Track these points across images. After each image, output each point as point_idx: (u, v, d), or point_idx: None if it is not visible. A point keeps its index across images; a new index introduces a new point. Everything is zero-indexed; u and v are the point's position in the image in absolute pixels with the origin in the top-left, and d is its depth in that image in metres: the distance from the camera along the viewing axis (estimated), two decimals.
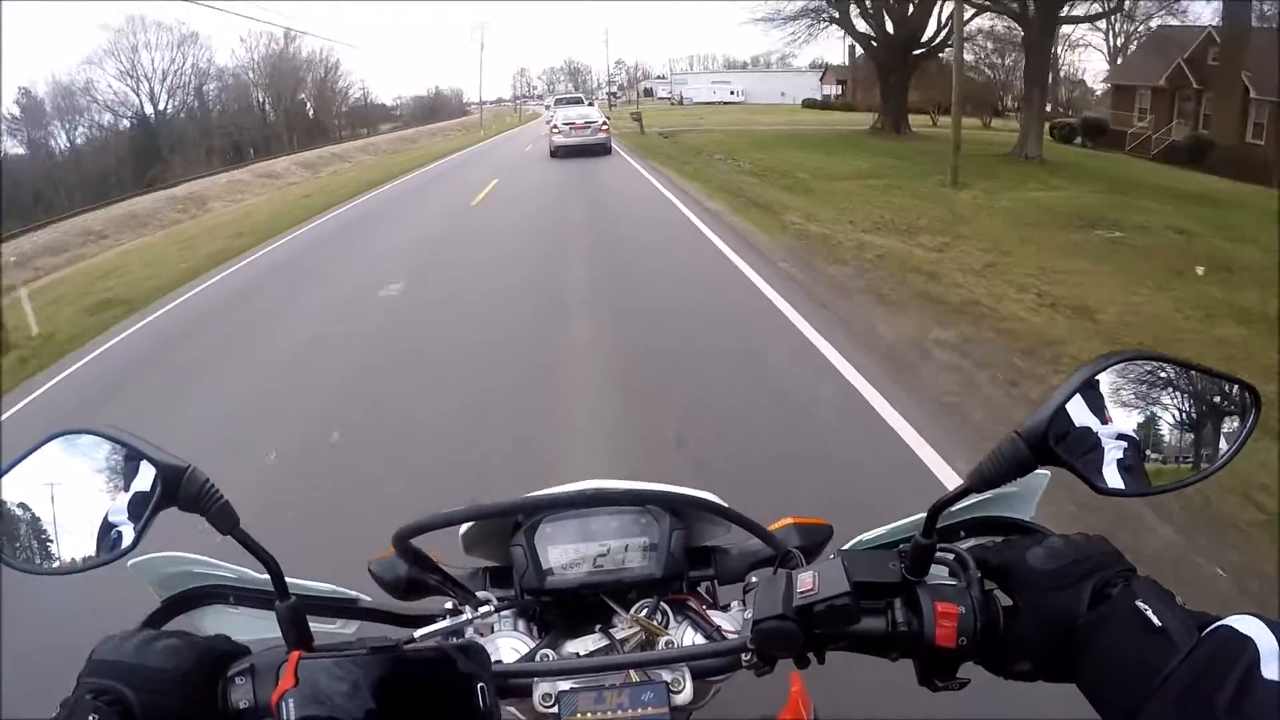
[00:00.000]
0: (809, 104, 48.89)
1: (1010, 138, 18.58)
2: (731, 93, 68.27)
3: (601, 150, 16.91)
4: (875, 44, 23.81)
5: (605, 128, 17.53)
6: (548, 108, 36.90)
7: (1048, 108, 21.43)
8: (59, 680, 0.48)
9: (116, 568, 0.49)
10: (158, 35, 37.90)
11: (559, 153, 16.76)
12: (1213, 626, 0.39)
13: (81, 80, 35.29)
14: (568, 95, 36.15)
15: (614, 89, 74.89)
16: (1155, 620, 0.41)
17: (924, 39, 22.78)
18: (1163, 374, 0.48)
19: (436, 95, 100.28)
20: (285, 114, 46.31)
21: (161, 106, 37.50)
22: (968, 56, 23.33)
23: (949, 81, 14.84)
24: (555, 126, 17.41)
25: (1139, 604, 0.42)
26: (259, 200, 19.01)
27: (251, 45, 45.32)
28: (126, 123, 36.45)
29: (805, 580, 0.50)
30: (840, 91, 51.83)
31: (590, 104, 28.44)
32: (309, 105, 51.16)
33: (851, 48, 50.29)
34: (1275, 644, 0.36)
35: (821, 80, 55.23)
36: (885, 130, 22.68)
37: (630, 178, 13.03)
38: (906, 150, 17.51)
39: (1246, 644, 0.37)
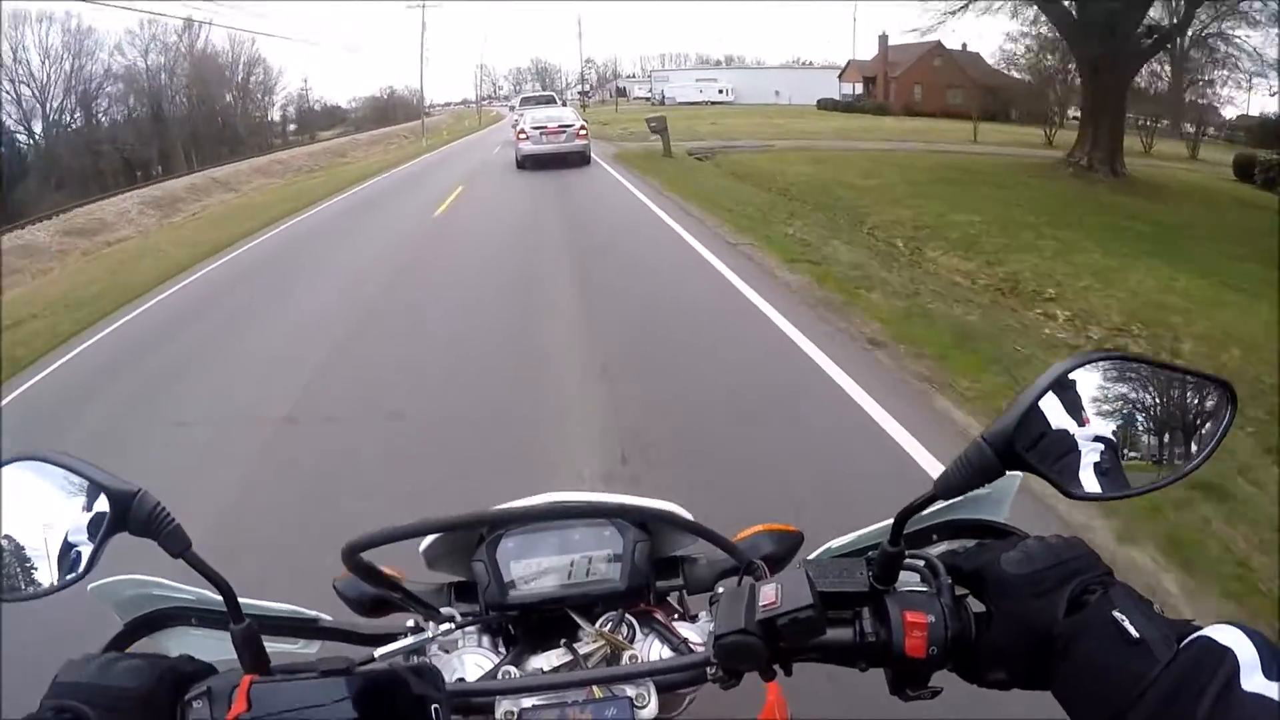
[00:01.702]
0: (826, 105, 40.10)
1: None
2: (720, 91, 64.18)
3: (579, 160, 14.57)
4: (1074, 25, 15.45)
5: (583, 133, 14.92)
6: (513, 108, 33.57)
7: None
8: (24, 706, 0.47)
9: (78, 592, 0.50)
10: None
11: (527, 163, 14.40)
12: (1192, 637, 0.39)
13: None
14: (537, 94, 32.02)
15: (586, 88, 65.82)
16: (1133, 631, 0.41)
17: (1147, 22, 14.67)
18: (1137, 373, 0.48)
19: (391, 96, 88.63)
20: (181, 124, 36.44)
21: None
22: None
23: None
24: (523, 132, 14.76)
25: (1116, 614, 0.42)
26: None
27: (145, 41, 35.27)
28: None
29: (768, 593, 0.49)
30: (863, 91, 43.07)
31: (563, 104, 25.15)
32: (225, 112, 41.14)
33: (883, 37, 42.52)
34: (1255, 654, 0.37)
35: (841, 77, 46.55)
36: (1094, 168, 14.70)
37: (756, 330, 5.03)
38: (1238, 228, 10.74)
39: (1225, 655, 0.37)
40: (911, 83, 39.93)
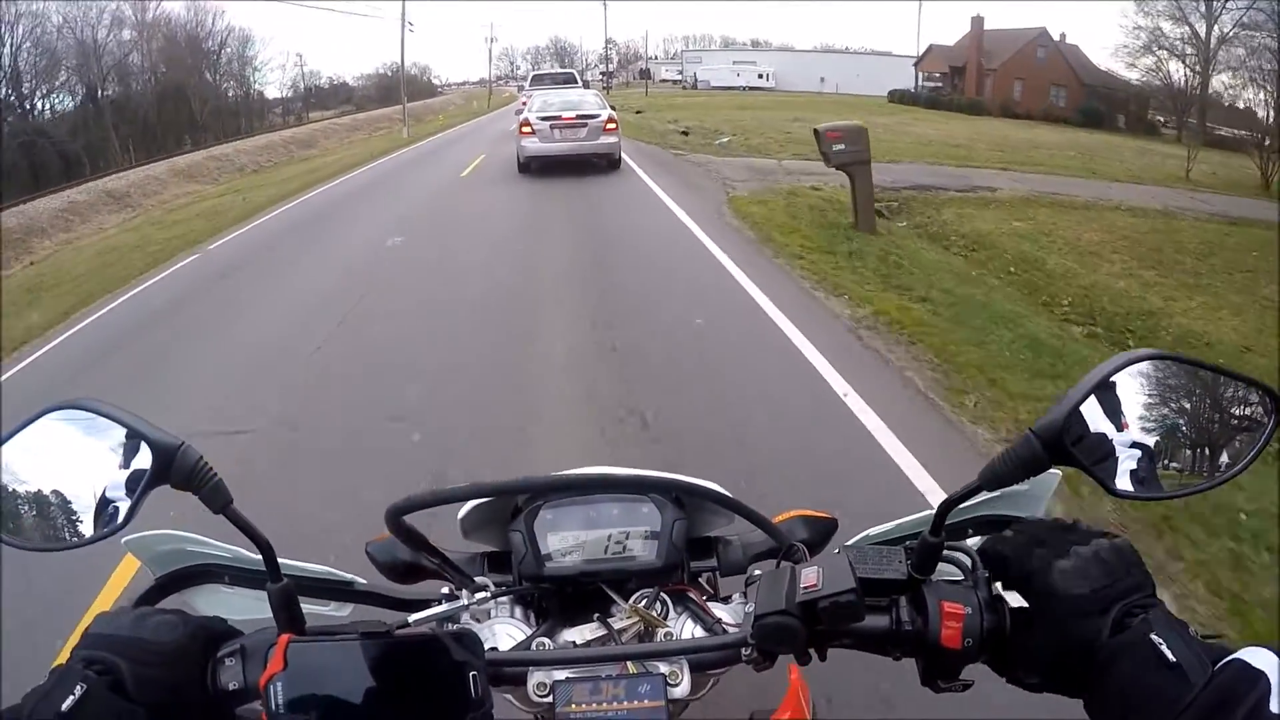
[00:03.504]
0: (904, 99, 32.54)
1: None
2: (760, 76, 58.42)
3: (608, 164, 10.99)
4: None
5: (612, 126, 10.85)
6: (521, 89, 26.54)
7: None
8: (53, 655, 0.49)
9: (112, 543, 0.52)
10: None
11: (531, 166, 10.98)
12: (1225, 660, 0.41)
13: None
14: (551, 72, 26.86)
15: (610, 68, 59.02)
16: (1170, 655, 0.42)
17: None
18: (1180, 375, 0.49)
19: (397, 73, 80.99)
20: (123, 109, 29.62)
21: None
22: None
23: None
24: (527, 122, 10.77)
25: (1154, 637, 0.44)
26: None
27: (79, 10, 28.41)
28: None
29: (809, 575, 0.50)
30: (944, 83, 35.34)
31: (584, 85, 20.51)
32: (184, 93, 34.25)
33: (977, 19, 35.03)
34: None
35: (919, 65, 38.80)
36: None
37: None
38: None
39: (1258, 678, 0.39)
40: (1012, 77, 32.48)
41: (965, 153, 16.23)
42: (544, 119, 10.62)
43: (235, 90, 46.29)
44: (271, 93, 51.38)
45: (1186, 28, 28.27)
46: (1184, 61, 29.28)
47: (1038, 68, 33.80)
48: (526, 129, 10.75)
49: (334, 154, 22.82)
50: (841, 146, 6.70)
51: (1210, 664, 0.41)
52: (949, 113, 30.54)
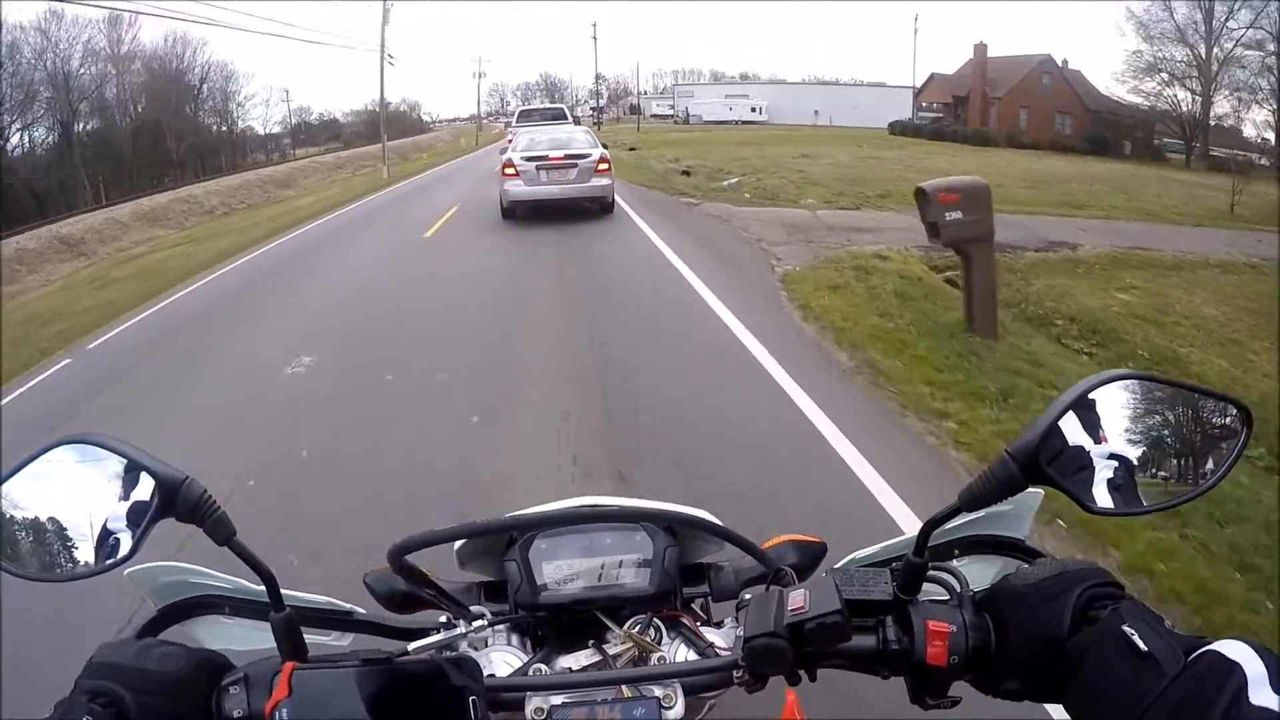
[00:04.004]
0: (905, 130, 31.41)
1: None
2: (753, 109, 57.70)
3: (601, 208, 9.96)
4: None
5: (605, 167, 9.73)
6: (507, 125, 24.89)
7: None
8: (59, 687, 0.50)
9: (113, 575, 0.53)
10: None
11: (516, 212, 9.86)
12: (1200, 651, 0.41)
13: None
14: (540, 107, 24.74)
15: (600, 104, 58.72)
16: (1142, 645, 0.42)
17: None
18: (1155, 393, 0.51)
19: (386, 109, 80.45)
20: (101, 145, 28.37)
21: None
22: None
23: None
24: (510, 163, 9.69)
25: (1126, 628, 0.44)
26: None
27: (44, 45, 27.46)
28: None
29: (796, 598, 0.52)
30: (945, 112, 34.33)
31: (575, 122, 18.99)
32: (160, 129, 32.96)
33: (980, 46, 34.07)
34: (1263, 669, 0.38)
35: (919, 94, 37.81)
36: None
37: None
38: None
39: (1233, 669, 0.38)
40: (1017, 105, 31.43)
41: (1002, 192, 14.68)
42: (530, 159, 9.54)
43: (220, 125, 44.98)
44: (260, 129, 50.35)
45: (1187, 50, 27.62)
46: (1184, 85, 28.74)
47: (1042, 95, 33.09)
48: (510, 170, 9.64)
49: (309, 195, 21.39)
50: (958, 215, 4.61)
51: (1184, 655, 0.41)
52: (955, 144, 29.35)
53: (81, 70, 30.91)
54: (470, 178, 18.29)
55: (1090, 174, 20.39)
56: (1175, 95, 29.59)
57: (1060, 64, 35.50)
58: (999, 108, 33.35)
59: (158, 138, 33.46)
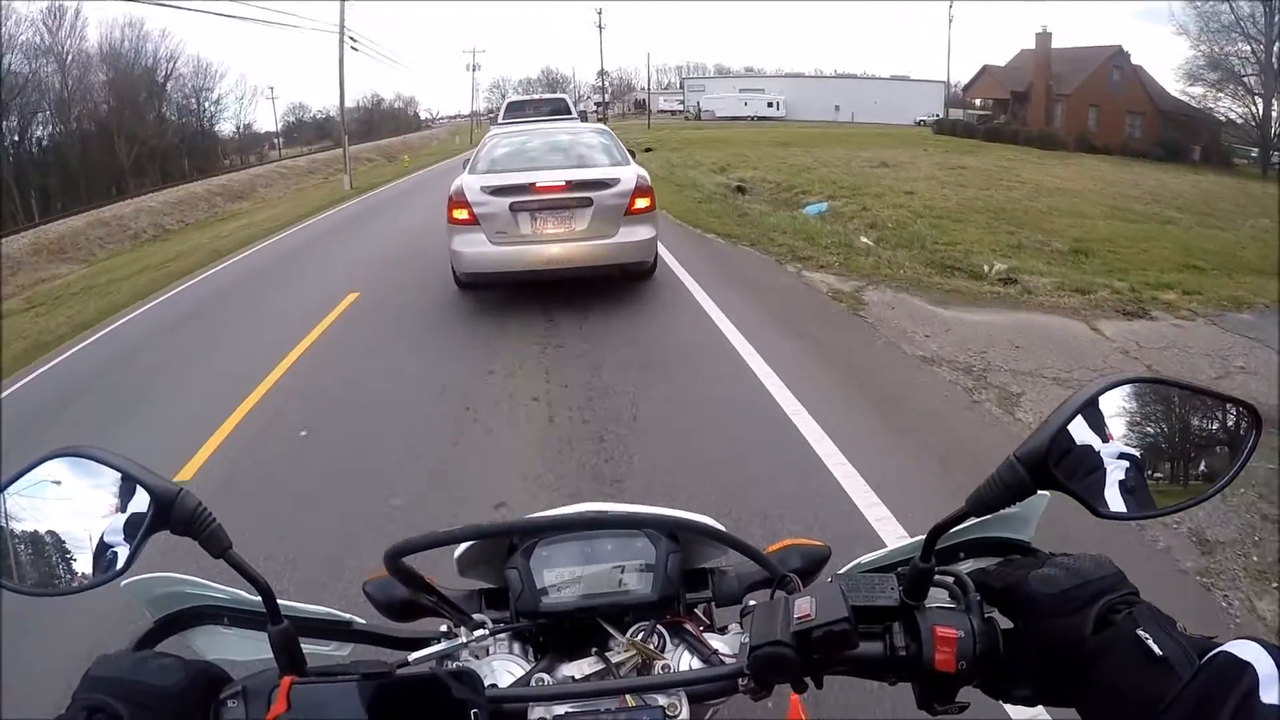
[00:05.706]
0: (956, 129, 27.32)
1: None
2: (769, 104, 53.74)
3: (629, 274, 5.60)
4: None
5: (645, 199, 5.09)
6: (495, 120, 16.33)
7: None
8: (55, 700, 0.50)
9: (110, 588, 0.53)
10: None
11: (478, 283, 5.59)
12: (1212, 653, 0.42)
13: None
14: (534, 98, 17.35)
15: (604, 99, 55.07)
16: (1156, 649, 0.43)
17: None
18: (1164, 396, 0.51)
19: (378, 106, 76.42)
20: (43, 151, 24.91)
21: None
22: None
23: None
24: (461, 202, 5.03)
25: (1140, 632, 0.45)
26: None
27: None
28: None
29: (803, 606, 0.52)
30: (1000, 109, 30.17)
31: (581, 117, 15.64)
32: (113, 132, 29.16)
33: (1044, 35, 29.85)
34: (1274, 669, 0.38)
35: (967, 91, 33.83)
36: None
37: None
38: None
39: (1245, 670, 0.39)
40: (1086, 104, 27.12)
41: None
42: (499, 191, 5.13)
43: (194, 124, 40.88)
44: (236, 127, 46.34)
45: (1248, 46, 23.65)
46: (1243, 84, 24.92)
47: (1112, 94, 28.81)
48: (461, 214, 5.21)
49: (260, 211, 17.79)
50: None
51: (1197, 657, 0.42)
52: (1015, 146, 25.32)
53: (12, 66, 26.83)
54: (441, 192, 13.13)
55: (1207, 191, 16.42)
56: (1248, 97, 25.57)
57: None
58: (1065, 106, 29.51)
59: (104, 142, 29.47)
